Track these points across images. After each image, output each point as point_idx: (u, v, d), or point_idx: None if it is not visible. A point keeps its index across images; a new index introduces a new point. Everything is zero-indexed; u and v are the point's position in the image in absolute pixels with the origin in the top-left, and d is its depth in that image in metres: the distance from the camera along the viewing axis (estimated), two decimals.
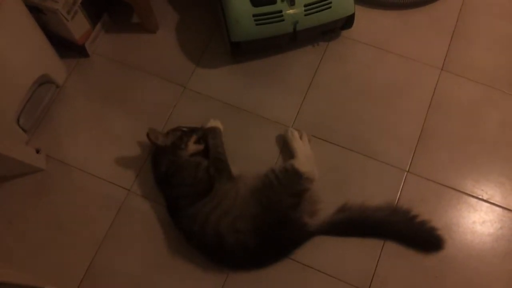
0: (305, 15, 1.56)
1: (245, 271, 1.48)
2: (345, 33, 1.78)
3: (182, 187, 1.48)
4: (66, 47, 1.72)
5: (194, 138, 1.54)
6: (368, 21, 1.80)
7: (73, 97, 1.72)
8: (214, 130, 1.57)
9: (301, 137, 1.59)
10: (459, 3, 1.82)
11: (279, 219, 1.43)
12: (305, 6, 1.54)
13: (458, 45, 1.76)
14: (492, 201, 1.55)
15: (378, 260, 1.48)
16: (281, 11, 1.54)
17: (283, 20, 1.55)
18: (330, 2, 1.56)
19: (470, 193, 1.56)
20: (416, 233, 1.50)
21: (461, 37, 1.78)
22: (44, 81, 1.64)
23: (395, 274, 1.47)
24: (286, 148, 1.60)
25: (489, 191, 1.56)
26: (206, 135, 1.57)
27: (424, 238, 1.50)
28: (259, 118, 1.66)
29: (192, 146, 1.53)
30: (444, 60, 1.74)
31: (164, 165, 1.51)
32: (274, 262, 1.48)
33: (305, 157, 1.56)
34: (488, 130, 1.64)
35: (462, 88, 1.70)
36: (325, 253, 1.49)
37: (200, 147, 1.54)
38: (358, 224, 1.49)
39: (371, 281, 1.46)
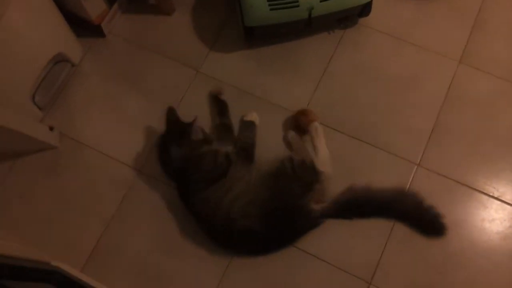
0: (321, 1, 1.53)
1: (251, 256, 1.49)
2: (362, 21, 1.75)
3: (199, 173, 1.48)
4: (83, 27, 1.74)
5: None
6: (387, 10, 1.77)
7: (88, 76, 1.74)
8: (248, 123, 1.60)
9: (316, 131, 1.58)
10: None
11: (286, 205, 1.44)
12: None
13: (478, 37, 1.72)
14: (503, 199, 1.52)
15: (382, 253, 1.47)
16: None
17: (298, 6, 1.53)
18: None
19: (481, 190, 1.53)
20: (421, 216, 1.50)
21: (482, 29, 1.73)
22: (60, 60, 1.66)
23: (398, 268, 1.46)
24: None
25: (500, 188, 1.53)
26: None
27: (428, 222, 1.50)
28: (271, 105, 1.66)
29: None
30: (463, 52, 1.69)
31: (178, 153, 1.50)
32: (280, 248, 1.49)
33: (325, 156, 1.55)
34: (504, 127, 1.60)
35: (479, 82, 1.66)
36: (329, 243, 1.50)
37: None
38: (363, 203, 1.49)
39: (374, 273, 1.46)
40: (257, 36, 1.67)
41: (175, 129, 1.54)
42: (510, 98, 1.63)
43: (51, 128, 1.62)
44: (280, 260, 1.48)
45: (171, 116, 1.55)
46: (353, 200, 1.49)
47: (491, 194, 1.52)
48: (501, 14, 1.75)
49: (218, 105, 1.64)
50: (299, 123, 1.59)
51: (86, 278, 1.45)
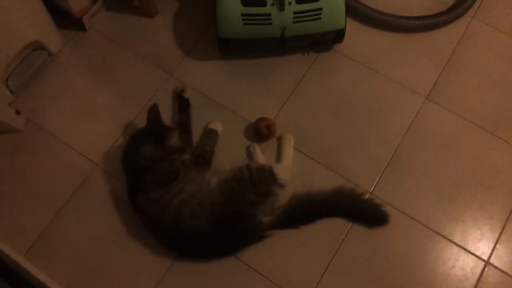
0: (294, 22, 1.57)
1: (193, 259, 1.50)
2: (337, 47, 1.78)
3: (154, 175, 1.49)
4: (66, 19, 1.78)
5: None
6: (363, 39, 1.80)
7: (64, 68, 1.78)
8: (211, 131, 1.63)
9: (289, 141, 1.62)
10: (458, 35, 1.80)
11: (236, 212, 1.45)
12: (294, 13, 1.55)
13: (449, 76, 1.74)
14: (449, 238, 1.52)
15: (322, 275, 1.47)
16: (269, 15, 1.55)
17: (270, 24, 1.57)
18: (320, 14, 1.56)
19: (428, 226, 1.53)
20: (362, 209, 1.56)
21: (454, 69, 1.75)
22: (38, 47, 1.70)
23: None
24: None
25: (449, 227, 1.53)
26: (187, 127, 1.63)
27: (370, 214, 1.55)
28: (236, 116, 1.68)
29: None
30: (431, 89, 1.72)
31: (149, 152, 1.51)
32: (222, 255, 1.50)
33: (288, 165, 1.58)
34: (461, 167, 1.61)
35: (443, 120, 1.67)
36: (273, 258, 1.50)
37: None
38: (306, 207, 1.51)
39: None
40: (231, 48, 1.70)
41: (154, 128, 1.56)
42: (471, 139, 1.64)
43: (17, 112, 1.65)
44: (219, 270, 1.48)
45: (153, 113, 1.56)
46: (297, 207, 1.51)
47: (438, 231, 1.52)
48: (475, 56, 1.77)
49: (180, 102, 1.67)
50: (258, 128, 1.61)
51: (26, 264, 1.46)
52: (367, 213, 1.55)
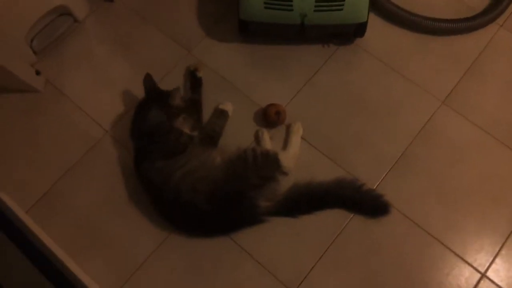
0: (315, 10, 1.56)
1: (188, 233, 1.52)
2: (358, 41, 1.76)
3: (161, 144, 1.52)
4: None
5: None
6: (386, 37, 1.78)
7: (87, 35, 1.82)
8: (222, 112, 1.64)
9: (298, 130, 1.62)
10: (484, 43, 1.76)
11: (236, 192, 1.45)
12: (316, 1, 1.54)
13: (469, 83, 1.70)
14: (448, 245, 1.49)
15: (313, 266, 1.47)
16: (291, 0, 1.54)
17: (291, 10, 1.56)
18: (342, 5, 1.55)
19: (428, 231, 1.51)
20: (363, 199, 1.54)
21: (475, 76, 1.71)
22: (64, 12, 1.75)
23: (325, 284, 1.45)
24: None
25: (449, 235, 1.50)
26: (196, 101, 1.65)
27: (371, 204, 1.54)
28: (248, 100, 1.69)
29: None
30: (449, 94, 1.68)
31: (151, 120, 1.55)
32: (217, 233, 1.51)
33: (294, 153, 1.58)
34: (468, 176, 1.58)
35: (457, 126, 1.64)
36: (266, 244, 1.50)
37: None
38: (306, 196, 1.51)
39: (300, 283, 1.45)
40: (251, 31, 1.70)
41: (155, 94, 1.59)
42: (483, 148, 1.61)
43: (37, 73, 1.70)
44: (213, 248, 1.50)
45: (148, 83, 1.59)
46: (297, 196, 1.50)
47: (437, 238, 1.50)
48: (498, 66, 1.73)
49: (192, 81, 1.69)
50: (268, 114, 1.62)
51: (28, 220, 1.51)
52: (367, 203, 1.53)
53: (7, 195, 1.51)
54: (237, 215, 1.48)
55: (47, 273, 1.36)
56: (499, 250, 1.49)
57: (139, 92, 1.66)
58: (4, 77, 1.60)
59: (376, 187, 1.56)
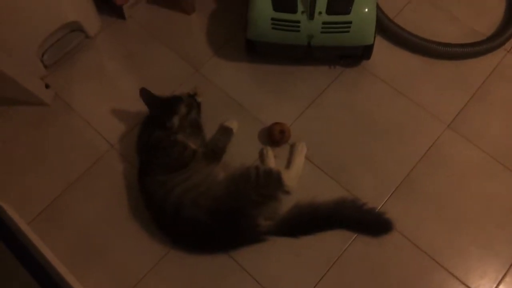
0: (322, 32, 1.58)
1: (188, 248, 1.51)
2: (365, 64, 1.77)
3: (164, 158, 1.53)
4: (108, 5, 1.87)
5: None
6: (392, 60, 1.79)
7: (98, 51, 1.86)
8: (227, 129, 1.65)
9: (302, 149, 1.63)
10: (491, 68, 1.76)
11: (237, 209, 1.45)
12: (323, 23, 1.56)
13: (475, 108, 1.70)
14: (451, 271, 1.47)
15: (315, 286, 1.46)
16: (298, 22, 1.57)
17: (298, 31, 1.59)
18: (349, 27, 1.57)
19: (431, 255, 1.48)
20: (365, 218, 1.53)
21: (481, 101, 1.71)
22: (76, 28, 1.78)
23: None
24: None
25: (452, 260, 1.48)
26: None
27: (374, 223, 1.53)
28: (253, 118, 1.70)
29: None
30: (454, 118, 1.68)
31: (152, 136, 1.56)
32: (216, 250, 1.50)
33: (297, 173, 1.58)
34: (473, 201, 1.56)
35: (462, 150, 1.63)
36: (267, 264, 1.49)
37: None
38: (308, 216, 1.49)
39: None
40: (258, 51, 1.73)
41: (159, 105, 1.59)
42: (488, 173, 1.60)
43: (47, 86, 1.73)
44: (213, 266, 1.49)
45: (146, 97, 1.59)
46: (299, 216, 1.49)
47: (439, 261, 1.48)
48: (504, 91, 1.73)
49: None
50: (272, 132, 1.62)
51: (29, 232, 1.51)
52: (370, 222, 1.52)
53: (10, 206, 1.52)
54: (237, 232, 1.48)
55: (46, 286, 1.36)
56: (503, 277, 1.46)
57: (145, 107, 1.68)
58: (14, 89, 1.63)
59: (379, 209, 1.55)
